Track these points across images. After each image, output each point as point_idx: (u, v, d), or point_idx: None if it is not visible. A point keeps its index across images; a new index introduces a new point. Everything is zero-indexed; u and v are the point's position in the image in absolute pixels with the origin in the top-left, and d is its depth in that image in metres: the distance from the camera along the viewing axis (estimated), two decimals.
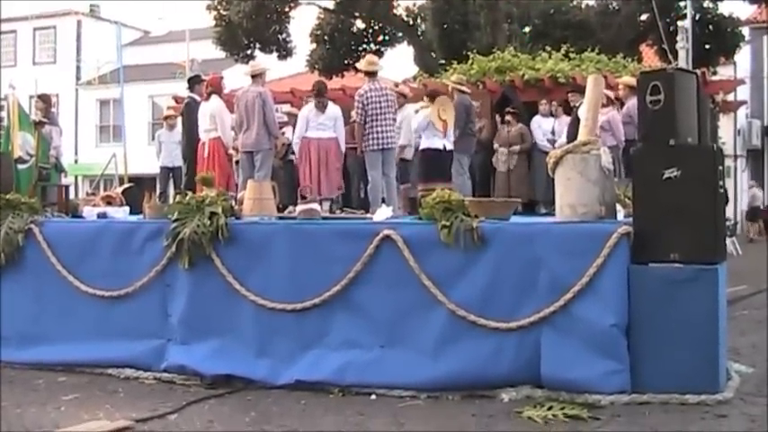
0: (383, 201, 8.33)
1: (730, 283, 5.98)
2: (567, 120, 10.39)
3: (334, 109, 8.78)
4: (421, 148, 9.40)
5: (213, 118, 8.92)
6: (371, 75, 8.78)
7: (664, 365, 4.61)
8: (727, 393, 4.67)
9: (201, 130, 9.03)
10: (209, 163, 8.77)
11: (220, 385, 5.26)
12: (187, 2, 47.04)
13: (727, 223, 15.28)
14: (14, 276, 6.07)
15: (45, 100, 10.45)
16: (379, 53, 24.37)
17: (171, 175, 11.44)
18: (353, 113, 8.69)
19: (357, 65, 10.21)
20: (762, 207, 24.55)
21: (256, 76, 8.91)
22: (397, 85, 11.22)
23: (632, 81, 9.66)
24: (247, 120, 8.66)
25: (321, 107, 8.77)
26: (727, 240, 10.44)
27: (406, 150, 9.79)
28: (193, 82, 10.17)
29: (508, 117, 11.40)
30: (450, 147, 9.35)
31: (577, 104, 9.43)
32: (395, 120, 8.88)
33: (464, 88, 10.34)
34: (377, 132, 8.58)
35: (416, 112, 10.00)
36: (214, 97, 9.10)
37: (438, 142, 9.22)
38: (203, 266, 5.48)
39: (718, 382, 4.66)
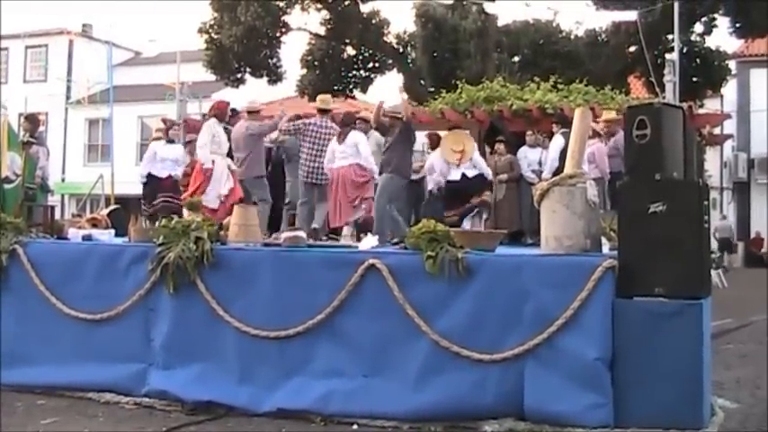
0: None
1: (715, 317, 5.98)
2: None
3: (353, 137, 8.64)
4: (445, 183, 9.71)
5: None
6: (323, 112, 9.12)
7: (647, 400, 4.60)
8: (711, 429, 4.67)
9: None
10: None
11: (201, 411, 5.21)
12: (179, 24, 47.35)
13: (713, 256, 15.35)
14: None
15: (31, 120, 10.38)
16: (368, 80, 24.54)
17: None
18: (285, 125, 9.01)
19: (312, 104, 10.44)
20: (727, 237, 24.67)
21: (252, 113, 9.24)
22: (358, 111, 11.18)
23: (613, 116, 9.86)
24: (240, 153, 9.07)
25: (342, 138, 8.68)
26: (713, 273, 10.47)
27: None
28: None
29: (498, 146, 11.39)
30: (470, 173, 9.50)
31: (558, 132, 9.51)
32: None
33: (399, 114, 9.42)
34: (315, 165, 8.74)
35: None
36: None
37: (455, 173, 9.47)
38: (187, 291, 5.45)
39: (702, 417, 4.66)
